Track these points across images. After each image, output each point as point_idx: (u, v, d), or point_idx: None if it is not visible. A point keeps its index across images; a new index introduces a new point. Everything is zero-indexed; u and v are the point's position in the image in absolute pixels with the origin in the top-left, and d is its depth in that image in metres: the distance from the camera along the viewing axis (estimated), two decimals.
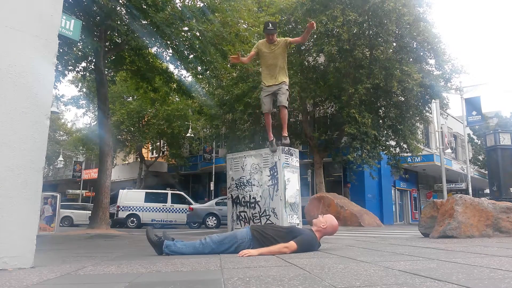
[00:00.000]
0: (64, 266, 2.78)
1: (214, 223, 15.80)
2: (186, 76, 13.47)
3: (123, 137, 25.35)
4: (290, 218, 4.79)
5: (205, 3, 9.45)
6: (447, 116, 20.00)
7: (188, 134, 23.04)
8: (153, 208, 17.06)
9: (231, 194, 5.42)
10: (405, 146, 15.92)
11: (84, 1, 9.06)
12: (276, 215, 4.67)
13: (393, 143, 16.22)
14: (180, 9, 9.33)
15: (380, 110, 16.11)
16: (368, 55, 14.71)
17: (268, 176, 4.88)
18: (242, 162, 5.17)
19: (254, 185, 5.00)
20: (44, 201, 9.12)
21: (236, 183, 5.34)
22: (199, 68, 11.42)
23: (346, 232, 8.42)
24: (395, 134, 15.84)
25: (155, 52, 11.90)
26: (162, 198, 17.58)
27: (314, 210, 12.88)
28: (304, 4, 14.17)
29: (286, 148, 5.18)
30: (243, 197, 5.22)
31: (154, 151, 28.62)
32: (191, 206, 16.75)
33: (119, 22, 9.57)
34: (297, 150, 5.41)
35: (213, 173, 23.27)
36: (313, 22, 4.67)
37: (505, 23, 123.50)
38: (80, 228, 13.99)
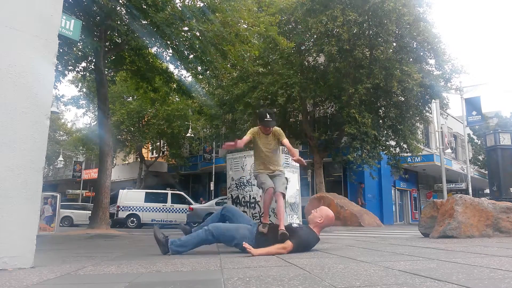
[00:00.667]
0: (64, 266, 2.78)
1: None
2: (186, 76, 13.48)
3: (123, 137, 25.36)
4: (290, 218, 4.79)
5: (205, 3, 9.44)
6: (447, 116, 20.00)
7: (188, 134, 23.05)
8: (153, 208, 17.06)
9: (231, 194, 5.42)
10: (405, 146, 15.93)
11: (84, 1, 9.06)
12: (276, 215, 4.66)
13: (393, 143, 16.23)
14: (180, 9, 9.33)
15: (380, 110, 16.11)
16: (368, 55, 14.71)
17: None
18: (242, 162, 5.17)
19: (254, 185, 5.00)
20: (44, 201, 9.12)
21: (236, 183, 5.34)
22: (199, 68, 11.42)
23: (346, 232, 8.42)
24: (395, 134, 15.85)
25: (155, 52, 11.90)
26: (162, 198, 17.59)
27: None
28: (304, 4, 14.17)
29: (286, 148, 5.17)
30: (243, 197, 5.23)
31: (154, 151, 28.61)
32: (191, 206, 16.76)
33: (119, 22, 9.57)
34: (297, 150, 5.41)
35: (213, 173, 23.27)
36: (300, 159, 4.10)
37: (505, 23, 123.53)
38: (80, 228, 13.98)
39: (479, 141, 29.15)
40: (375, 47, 14.31)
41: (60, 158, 30.94)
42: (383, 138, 15.66)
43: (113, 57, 11.87)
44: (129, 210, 16.84)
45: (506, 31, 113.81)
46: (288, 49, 14.63)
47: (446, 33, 59.35)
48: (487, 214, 4.90)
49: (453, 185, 23.98)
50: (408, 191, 24.37)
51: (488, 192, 14.23)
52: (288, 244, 3.35)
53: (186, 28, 9.79)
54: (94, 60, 10.78)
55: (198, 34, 9.52)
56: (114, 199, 15.71)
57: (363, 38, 14.66)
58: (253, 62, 14.02)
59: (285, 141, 4.10)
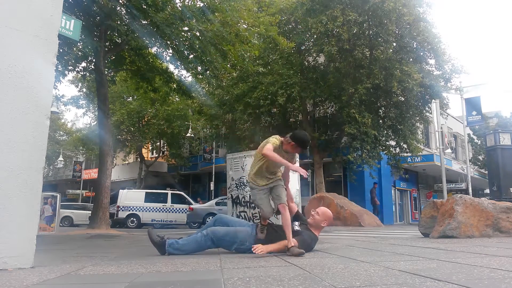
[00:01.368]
0: (64, 266, 2.78)
1: None
2: (186, 76, 13.48)
3: (123, 137, 25.36)
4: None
5: (205, 3, 9.44)
6: (447, 116, 19.99)
7: (188, 134, 23.05)
8: (153, 208, 17.06)
9: (231, 194, 5.42)
10: (405, 146, 15.93)
11: (84, 1, 9.06)
12: (276, 216, 4.66)
13: (393, 143, 16.23)
14: (180, 9, 9.33)
15: (380, 110, 16.11)
16: (368, 55, 14.71)
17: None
18: (242, 162, 5.17)
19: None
20: (44, 201, 9.12)
21: (236, 183, 5.34)
22: (199, 68, 11.42)
23: (346, 232, 8.42)
24: (395, 134, 15.85)
25: (155, 52, 11.90)
26: (162, 198, 17.59)
27: None
28: (304, 4, 14.17)
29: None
30: (243, 197, 5.22)
31: (154, 151, 28.61)
32: (191, 206, 16.75)
33: (119, 22, 9.57)
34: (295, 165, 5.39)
35: (213, 173, 23.26)
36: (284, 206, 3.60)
37: (505, 23, 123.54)
38: (80, 228, 13.99)
39: (479, 141, 29.15)
40: (375, 47, 14.31)
41: (60, 158, 30.94)
42: (383, 138, 15.65)
43: (113, 57, 11.87)
44: (129, 210, 16.84)
45: (506, 31, 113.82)
46: (288, 49, 14.63)
47: (446, 33, 59.38)
48: (487, 214, 4.90)
49: (453, 185, 23.98)
50: (408, 191, 24.37)
51: (488, 192, 14.24)
52: (293, 242, 3.36)
53: (186, 28, 9.79)
54: (94, 60, 10.79)
55: (198, 34, 9.52)
56: (114, 199, 15.71)
57: (363, 38, 14.66)
58: (253, 62, 14.02)
59: (296, 166, 3.68)
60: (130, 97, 23.88)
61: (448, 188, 17.29)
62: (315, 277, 2.05)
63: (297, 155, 4.45)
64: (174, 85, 12.56)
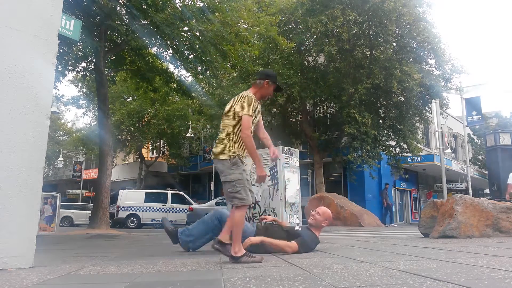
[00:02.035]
0: (64, 266, 2.78)
1: None
2: (186, 76, 13.47)
3: (123, 137, 25.35)
4: (290, 218, 4.79)
5: (205, 3, 9.45)
6: (447, 116, 19.99)
7: (188, 134, 23.04)
8: (153, 208, 17.06)
9: None
10: (405, 146, 15.93)
11: (84, 1, 9.06)
12: (276, 215, 4.67)
13: (393, 143, 16.23)
14: (180, 9, 9.33)
15: (380, 110, 16.12)
16: (368, 55, 14.71)
17: (268, 176, 4.87)
18: None
19: (254, 184, 5.00)
20: (44, 201, 9.11)
21: None
22: (199, 68, 11.42)
23: (346, 232, 8.42)
24: (395, 134, 15.85)
25: (155, 52, 11.90)
26: (162, 198, 17.58)
27: None
28: (304, 4, 14.18)
29: (286, 148, 5.18)
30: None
31: (154, 151, 28.60)
32: (191, 206, 16.75)
33: (119, 22, 9.57)
34: (297, 150, 5.41)
35: (213, 173, 23.25)
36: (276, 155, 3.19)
37: (505, 23, 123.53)
38: (80, 228, 13.98)
39: (479, 141, 29.14)
40: (375, 47, 14.31)
41: (60, 158, 30.93)
42: (383, 138, 15.66)
43: (113, 57, 11.86)
44: (129, 210, 16.84)
45: (506, 31, 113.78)
46: (288, 49, 14.62)
47: (446, 33, 59.37)
48: (487, 214, 4.90)
49: (453, 185, 23.98)
50: (408, 191, 24.36)
51: (488, 192, 14.24)
52: (294, 244, 3.38)
53: (186, 28, 9.79)
54: (94, 60, 10.78)
55: (198, 34, 9.52)
56: (114, 199, 15.69)
57: (363, 38, 14.66)
58: (253, 62, 14.02)
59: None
60: (130, 97, 23.87)
61: (448, 188, 17.29)
62: (315, 277, 2.05)
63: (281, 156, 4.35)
64: (174, 85, 12.56)
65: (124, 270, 2.57)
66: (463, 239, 4.56)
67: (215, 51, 9.77)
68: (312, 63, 16.32)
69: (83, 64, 11.84)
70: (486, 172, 19.83)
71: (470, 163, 20.38)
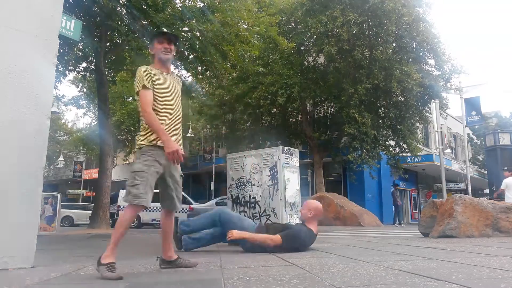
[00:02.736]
0: (65, 266, 2.78)
1: None
2: (186, 76, 13.48)
3: (124, 137, 25.35)
4: (290, 218, 4.79)
5: (205, 3, 9.45)
6: (446, 116, 20.00)
7: (188, 134, 23.05)
8: (153, 208, 17.04)
9: (231, 194, 5.42)
10: (404, 146, 15.94)
11: (85, 2, 9.07)
12: (276, 215, 4.67)
13: (392, 143, 16.24)
14: (180, 9, 9.34)
15: (380, 110, 16.13)
16: (368, 55, 14.72)
17: (268, 176, 4.88)
18: (242, 162, 5.17)
19: (254, 185, 5.00)
20: (45, 201, 9.11)
21: (236, 183, 5.34)
22: (199, 68, 11.42)
23: (346, 232, 8.42)
24: (394, 134, 15.86)
25: None
26: None
27: None
28: (304, 4, 14.19)
29: (286, 148, 5.18)
30: (243, 197, 5.23)
31: None
32: (191, 206, 16.74)
33: (119, 23, 9.58)
34: (297, 150, 5.41)
35: (213, 173, 23.26)
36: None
37: (504, 23, 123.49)
38: (81, 228, 13.99)
39: (479, 141, 29.13)
40: (374, 47, 14.32)
41: (61, 158, 30.93)
42: (383, 138, 15.67)
43: (114, 58, 11.87)
44: None
45: (506, 31, 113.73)
46: (288, 49, 14.64)
47: (446, 34, 59.34)
48: (487, 214, 4.91)
49: (453, 185, 23.98)
50: (408, 191, 24.37)
51: (488, 192, 14.25)
52: (277, 237, 3.36)
53: (186, 28, 9.80)
54: (94, 60, 10.79)
55: (198, 34, 9.53)
56: (114, 199, 15.68)
57: (362, 38, 14.66)
58: (253, 62, 14.02)
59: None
60: (131, 97, 23.87)
61: (447, 188, 17.31)
62: (315, 276, 2.05)
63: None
64: None
65: (124, 270, 2.57)
66: (463, 239, 4.57)
67: (215, 51, 9.78)
68: (312, 63, 16.33)
69: (84, 64, 11.86)
70: (486, 172, 19.84)
71: (470, 163, 20.40)
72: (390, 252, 3.37)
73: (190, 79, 13.78)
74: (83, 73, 12.07)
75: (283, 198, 4.72)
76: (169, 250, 2.70)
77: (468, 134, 27.23)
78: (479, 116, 15.48)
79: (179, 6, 9.67)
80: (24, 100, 2.72)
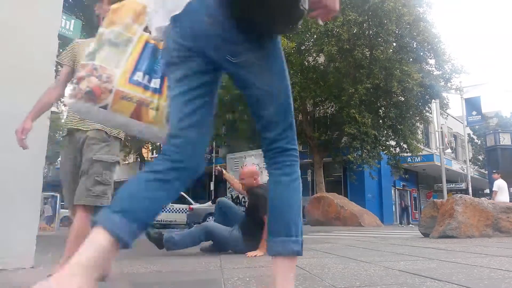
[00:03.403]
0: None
1: None
2: None
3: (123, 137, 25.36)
4: None
5: None
6: (447, 116, 19.99)
7: None
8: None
9: (231, 194, 5.43)
10: (405, 146, 15.93)
11: (85, 2, 9.06)
12: None
13: (393, 143, 16.23)
14: None
15: (380, 110, 16.12)
16: (368, 55, 14.71)
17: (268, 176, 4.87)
18: (242, 162, 5.17)
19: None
20: (44, 201, 9.11)
21: None
22: None
23: (346, 232, 8.42)
24: (395, 134, 15.85)
25: None
26: None
27: (314, 210, 12.87)
28: None
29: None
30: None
31: (154, 151, 28.59)
32: (191, 206, 16.73)
33: None
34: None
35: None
36: None
37: (505, 23, 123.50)
38: None
39: (479, 141, 29.12)
40: (375, 47, 14.31)
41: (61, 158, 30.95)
42: (383, 138, 15.66)
43: None
44: None
45: (506, 31, 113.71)
46: (288, 49, 14.62)
47: (446, 33, 59.37)
48: (487, 214, 4.91)
49: (453, 185, 23.98)
50: (408, 191, 24.37)
51: (488, 192, 14.25)
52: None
53: None
54: None
55: None
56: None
57: (363, 38, 14.66)
58: None
59: None
60: None
61: (448, 188, 17.29)
62: (315, 277, 2.05)
63: None
64: None
65: (124, 270, 2.57)
66: (463, 239, 4.56)
67: None
68: (312, 63, 16.32)
69: None
70: (486, 172, 19.83)
71: (470, 163, 20.40)
72: (391, 252, 3.37)
73: None
74: None
75: None
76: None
77: (469, 134, 27.23)
78: (480, 116, 15.49)
79: None
80: (24, 100, 2.71)
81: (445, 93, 15.57)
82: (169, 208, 17.18)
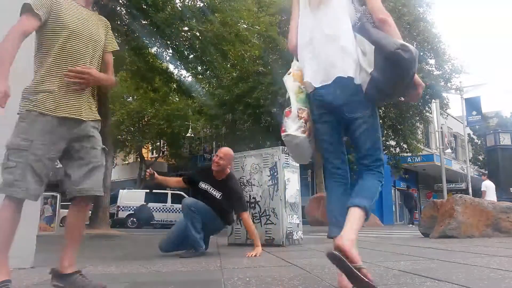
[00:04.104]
0: None
1: None
2: (186, 76, 13.47)
3: (123, 137, 25.34)
4: (290, 218, 4.79)
5: (205, 3, 9.46)
6: (447, 116, 20.00)
7: (188, 134, 23.04)
8: (153, 208, 17.05)
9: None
10: (405, 146, 15.94)
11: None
12: (276, 215, 4.67)
13: (393, 143, 16.24)
14: (180, 9, 9.34)
15: (380, 110, 16.12)
16: None
17: (268, 176, 4.87)
18: (242, 162, 5.17)
19: (254, 185, 4.99)
20: (44, 201, 9.11)
21: None
22: (199, 68, 11.42)
23: None
24: (395, 134, 15.85)
25: (155, 52, 11.90)
26: (162, 198, 17.57)
27: (314, 210, 12.87)
28: None
29: (286, 148, 5.18)
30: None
31: (154, 151, 28.59)
32: None
33: (119, 22, 9.57)
34: None
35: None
36: None
37: (505, 23, 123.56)
38: None
39: (479, 141, 29.10)
40: None
41: None
42: (383, 138, 15.67)
43: (113, 57, 11.86)
44: (129, 210, 16.83)
45: (506, 31, 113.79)
46: (288, 49, 14.62)
47: (446, 33, 59.29)
48: (487, 214, 4.91)
49: (453, 185, 23.97)
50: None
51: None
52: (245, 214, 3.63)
53: (186, 28, 9.80)
54: None
55: (198, 34, 9.53)
56: (114, 199, 15.69)
57: None
58: (253, 62, 14.01)
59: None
60: (130, 97, 23.87)
61: (448, 188, 17.28)
62: (315, 277, 2.05)
63: None
64: (174, 85, 12.56)
65: (124, 270, 2.57)
66: (463, 239, 4.56)
67: (215, 51, 9.78)
68: None
69: None
70: (486, 172, 19.81)
71: (470, 163, 20.40)
72: (391, 252, 3.37)
73: (190, 79, 13.78)
74: None
75: (283, 198, 4.71)
76: (66, 257, 2.01)
77: (469, 134, 27.22)
78: (480, 116, 15.48)
79: (179, 5, 9.67)
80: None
81: (445, 93, 15.57)
82: (169, 208, 17.21)
